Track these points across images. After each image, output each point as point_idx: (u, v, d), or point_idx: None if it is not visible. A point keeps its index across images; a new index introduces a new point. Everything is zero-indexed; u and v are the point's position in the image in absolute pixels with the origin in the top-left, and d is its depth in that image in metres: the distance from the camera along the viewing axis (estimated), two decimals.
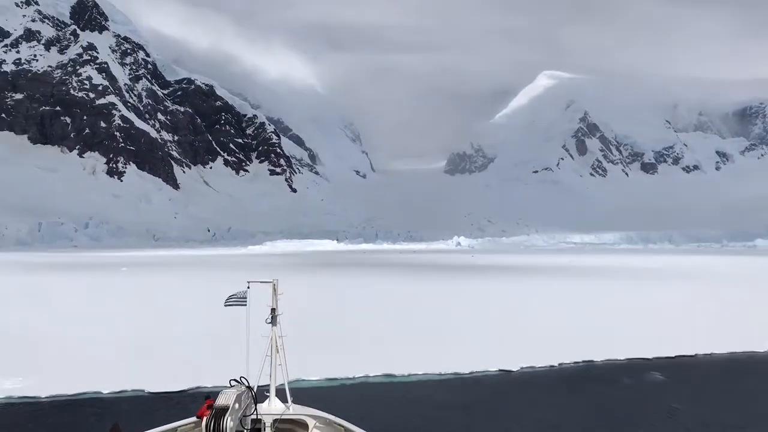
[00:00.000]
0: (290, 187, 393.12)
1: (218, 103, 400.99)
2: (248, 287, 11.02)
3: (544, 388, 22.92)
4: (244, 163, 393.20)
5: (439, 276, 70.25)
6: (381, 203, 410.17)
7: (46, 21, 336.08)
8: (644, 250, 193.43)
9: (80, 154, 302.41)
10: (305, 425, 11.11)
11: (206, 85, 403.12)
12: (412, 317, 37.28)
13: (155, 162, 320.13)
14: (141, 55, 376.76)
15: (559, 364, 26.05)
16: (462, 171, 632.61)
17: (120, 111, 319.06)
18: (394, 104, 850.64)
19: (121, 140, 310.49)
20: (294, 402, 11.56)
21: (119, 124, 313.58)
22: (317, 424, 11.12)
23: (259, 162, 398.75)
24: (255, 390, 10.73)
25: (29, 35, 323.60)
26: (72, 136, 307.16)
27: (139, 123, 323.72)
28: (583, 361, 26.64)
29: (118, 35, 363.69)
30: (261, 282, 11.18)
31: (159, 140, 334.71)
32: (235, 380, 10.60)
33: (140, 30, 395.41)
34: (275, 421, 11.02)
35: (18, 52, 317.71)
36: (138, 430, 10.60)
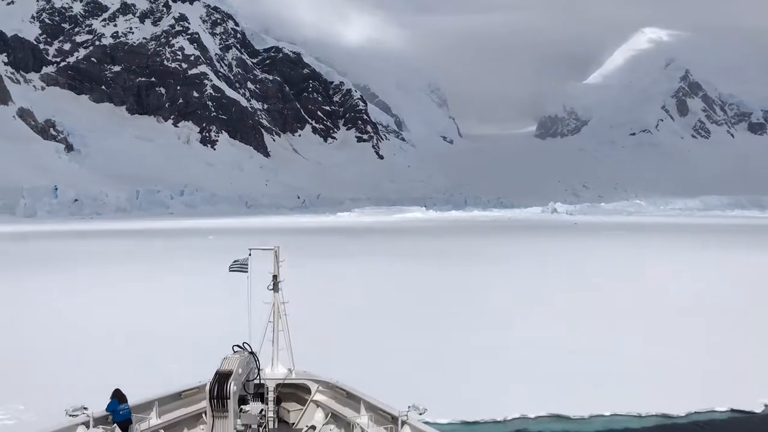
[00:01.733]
0: (377, 153, 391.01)
1: (306, 70, 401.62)
2: (249, 254, 11.03)
3: None
4: (331, 131, 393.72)
5: (577, 243, 60.52)
6: (469, 169, 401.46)
7: None
8: None
9: (175, 124, 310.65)
10: (308, 389, 11.44)
11: (294, 53, 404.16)
12: (574, 317, 26.36)
13: (246, 130, 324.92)
14: (230, 24, 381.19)
15: None
16: (553, 135, 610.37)
17: (211, 80, 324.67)
18: (482, 67, 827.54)
19: (213, 109, 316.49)
20: (297, 367, 11.55)
21: (211, 94, 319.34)
22: (320, 388, 11.32)
23: (347, 129, 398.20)
24: (258, 355, 10.70)
25: (125, 8, 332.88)
26: (167, 106, 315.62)
27: (229, 92, 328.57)
28: None
29: (208, 5, 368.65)
30: (263, 249, 11.09)
31: (249, 109, 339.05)
32: (238, 346, 10.52)
33: None
34: (278, 385, 11.20)
35: (115, 25, 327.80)
36: (140, 393, 10.14)
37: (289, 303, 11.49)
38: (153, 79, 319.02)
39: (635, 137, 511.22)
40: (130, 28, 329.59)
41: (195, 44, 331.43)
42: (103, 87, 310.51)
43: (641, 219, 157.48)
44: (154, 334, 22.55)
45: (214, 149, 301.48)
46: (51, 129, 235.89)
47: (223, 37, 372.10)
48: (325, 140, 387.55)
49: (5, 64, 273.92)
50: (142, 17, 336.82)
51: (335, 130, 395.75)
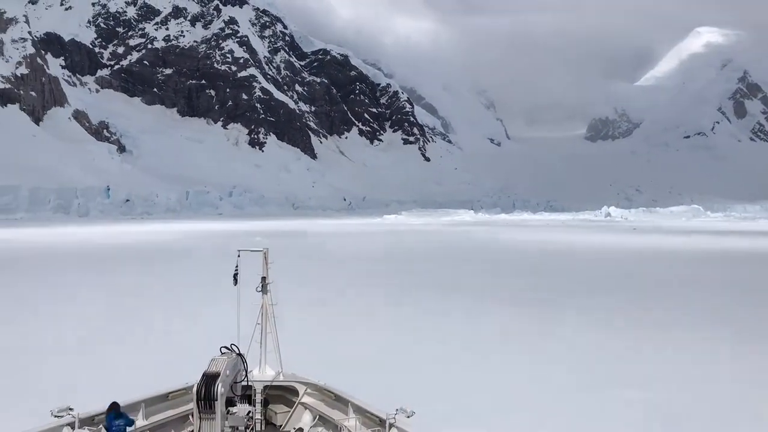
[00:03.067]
0: (423, 156, 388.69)
1: (353, 72, 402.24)
2: (239, 255, 11.01)
3: None
4: (378, 133, 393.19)
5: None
6: (517, 172, 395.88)
7: None
8: None
9: (224, 126, 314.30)
10: (296, 392, 11.26)
11: (341, 55, 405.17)
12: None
13: (293, 132, 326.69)
14: (279, 27, 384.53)
15: None
16: (604, 137, 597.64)
17: (260, 83, 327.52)
18: (530, 68, 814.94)
19: (261, 112, 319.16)
20: (285, 369, 11.45)
21: (259, 96, 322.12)
22: (308, 390, 11.14)
23: (393, 131, 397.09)
24: (246, 357, 10.59)
25: (177, 12, 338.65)
26: (216, 108, 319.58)
27: (278, 94, 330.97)
28: None
29: (257, 8, 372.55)
30: (252, 250, 11.11)
31: (297, 111, 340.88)
32: (225, 347, 10.33)
33: (277, 2, 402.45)
34: (266, 387, 11.06)
35: (167, 29, 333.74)
36: (126, 394, 9.84)
37: (278, 305, 11.41)
38: (203, 81, 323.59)
39: (690, 140, 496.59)
40: (182, 32, 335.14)
41: (244, 47, 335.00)
42: (155, 89, 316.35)
43: (708, 223, 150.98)
44: (140, 334, 21.20)
45: (262, 151, 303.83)
46: (104, 130, 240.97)
47: (272, 39, 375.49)
48: (372, 142, 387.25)
49: (62, 67, 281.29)
50: (193, 21, 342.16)
51: (381, 132, 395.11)
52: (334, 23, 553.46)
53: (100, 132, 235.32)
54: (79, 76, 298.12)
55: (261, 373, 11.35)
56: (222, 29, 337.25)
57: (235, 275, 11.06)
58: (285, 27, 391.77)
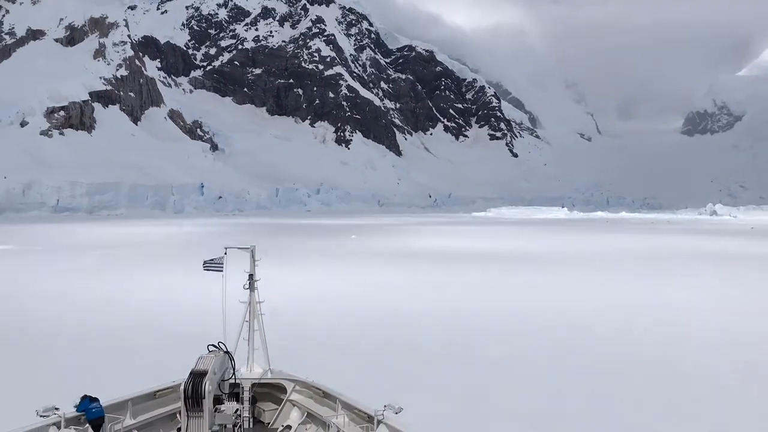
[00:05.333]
0: (511, 151, 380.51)
1: (438, 68, 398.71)
2: (225, 253, 10.92)
3: None
4: (463, 129, 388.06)
5: None
6: (609, 168, 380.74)
7: None
8: None
9: (311, 124, 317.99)
10: (284, 389, 11.29)
11: (426, 51, 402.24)
12: None
13: (379, 130, 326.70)
14: (365, 25, 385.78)
15: None
16: (702, 131, 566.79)
17: (346, 81, 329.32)
18: (622, 60, 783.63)
19: (347, 110, 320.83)
20: (273, 366, 11.41)
21: (346, 94, 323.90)
22: (296, 387, 11.20)
23: (479, 127, 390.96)
24: (233, 355, 10.61)
25: (266, 13, 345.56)
26: (304, 106, 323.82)
27: (363, 92, 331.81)
28: None
29: (344, 7, 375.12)
30: (239, 248, 11.02)
31: (382, 108, 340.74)
32: (213, 345, 10.34)
33: (363, 0, 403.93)
34: (253, 385, 11.11)
35: (257, 29, 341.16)
36: (112, 395, 9.72)
37: (265, 302, 11.27)
38: (291, 80, 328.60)
39: None
40: (270, 32, 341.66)
41: (331, 45, 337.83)
42: (245, 89, 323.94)
43: None
44: (131, 328, 20.53)
45: (349, 148, 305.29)
46: (198, 129, 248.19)
47: (358, 37, 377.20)
48: (457, 138, 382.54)
49: (159, 69, 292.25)
50: (281, 21, 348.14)
51: (467, 128, 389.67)
52: (419, 19, 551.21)
53: (193, 131, 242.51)
54: (174, 77, 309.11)
55: (249, 371, 11.37)
56: (309, 28, 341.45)
57: (209, 264, 11.10)
58: (371, 24, 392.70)
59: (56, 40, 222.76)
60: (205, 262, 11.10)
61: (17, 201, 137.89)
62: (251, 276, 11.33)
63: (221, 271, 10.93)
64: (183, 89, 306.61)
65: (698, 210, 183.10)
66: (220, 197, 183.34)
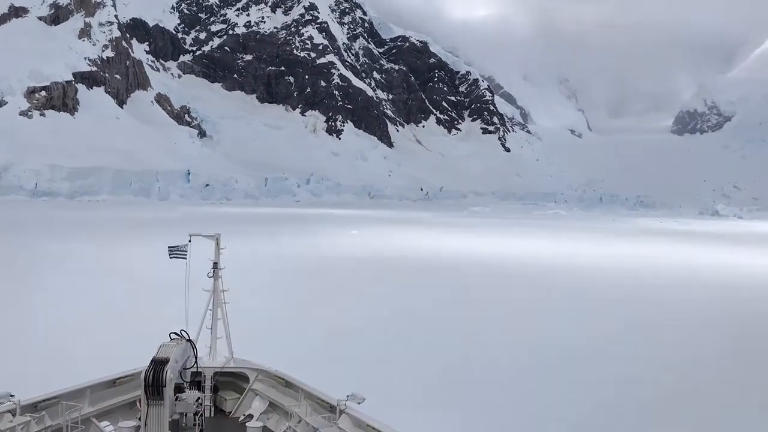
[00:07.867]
0: (503, 146, 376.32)
1: (432, 60, 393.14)
2: (189, 240, 10.82)
3: None
4: (456, 122, 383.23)
5: None
6: (600, 165, 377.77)
7: None
8: None
9: (302, 113, 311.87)
10: (246, 378, 11.19)
11: (420, 42, 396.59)
12: None
13: (371, 120, 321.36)
14: (358, 13, 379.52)
15: None
16: (692, 131, 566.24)
17: (338, 70, 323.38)
18: (614, 58, 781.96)
19: (339, 99, 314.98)
20: (236, 355, 11.46)
21: (338, 83, 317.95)
22: (258, 376, 11.18)
23: (472, 120, 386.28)
24: (195, 343, 10.47)
25: None
26: (295, 95, 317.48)
27: (356, 82, 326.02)
28: None
29: None
30: (204, 236, 10.89)
31: (374, 99, 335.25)
32: (175, 333, 10.19)
33: None
34: (216, 374, 11.11)
35: (248, 15, 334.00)
36: (72, 380, 9.79)
37: (229, 291, 11.15)
38: (282, 68, 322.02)
39: None
40: (262, 18, 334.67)
41: (323, 33, 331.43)
42: (235, 75, 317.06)
43: None
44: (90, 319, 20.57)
45: (340, 138, 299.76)
46: (185, 115, 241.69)
47: (351, 26, 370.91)
48: (449, 131, 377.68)
49: (147, 52, 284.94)
50: (274, 7, 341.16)
51: (460, 121, 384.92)
52: (413, 9, 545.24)
53: (181, 116, 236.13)
54: (162, 61, 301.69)
55: (211, 359, 11.11)
56: (302, 15, 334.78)
57: (174, 250, 10.71)
58: (364, 13, 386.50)
59: (40, 18, 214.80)
60: (169, 248, 10.69)
61: None
62: (215, 264, 11.15)
63: (185, 258, 10.52)
64: (171, 74, 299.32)
65: (699, 210, 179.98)
66: (207, 185, 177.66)
